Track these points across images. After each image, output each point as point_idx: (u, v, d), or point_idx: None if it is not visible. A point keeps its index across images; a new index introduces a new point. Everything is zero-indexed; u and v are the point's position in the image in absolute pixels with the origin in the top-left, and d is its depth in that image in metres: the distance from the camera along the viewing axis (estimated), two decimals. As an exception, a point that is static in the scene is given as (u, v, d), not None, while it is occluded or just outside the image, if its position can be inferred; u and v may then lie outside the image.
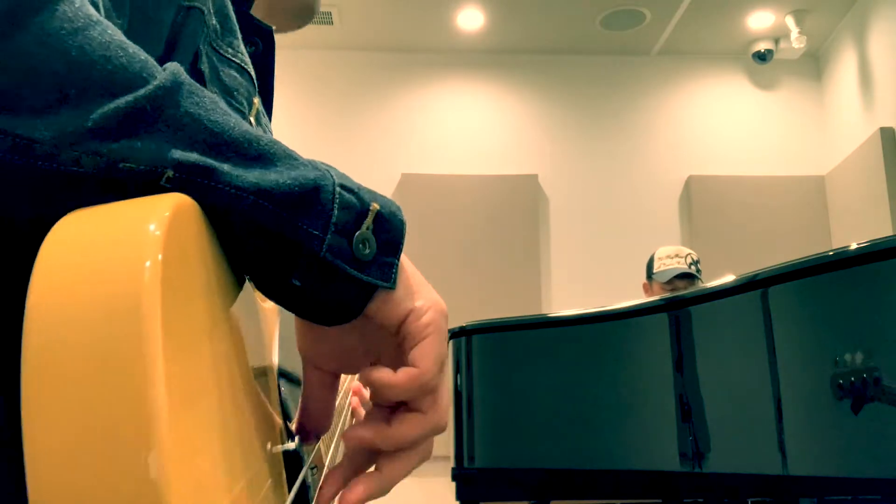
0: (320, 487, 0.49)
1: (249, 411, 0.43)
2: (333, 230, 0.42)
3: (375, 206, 0.44)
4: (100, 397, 0.29)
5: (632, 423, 1.85)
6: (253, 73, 0.64)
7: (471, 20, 4.51)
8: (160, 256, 0.32)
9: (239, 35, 0.63)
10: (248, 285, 0.45)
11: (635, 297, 2.93)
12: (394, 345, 0.47)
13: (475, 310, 2.70)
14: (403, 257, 0.46)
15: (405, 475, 0.49)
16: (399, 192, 4.43)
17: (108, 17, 0.46)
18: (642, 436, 1.82)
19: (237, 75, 0.61)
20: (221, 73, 0.59)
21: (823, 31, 4.62)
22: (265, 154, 0.41)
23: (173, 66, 0.41)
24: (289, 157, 0.42)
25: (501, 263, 4.42)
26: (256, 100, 0.66)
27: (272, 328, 0.54)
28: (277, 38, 0.74)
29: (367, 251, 0.43)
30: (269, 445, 0.44)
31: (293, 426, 0.53)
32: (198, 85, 0.42)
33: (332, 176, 0.43)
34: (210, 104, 0.41)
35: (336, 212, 0.42)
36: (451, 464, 2.09)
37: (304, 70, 4.59)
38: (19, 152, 0.37)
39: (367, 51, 4.74)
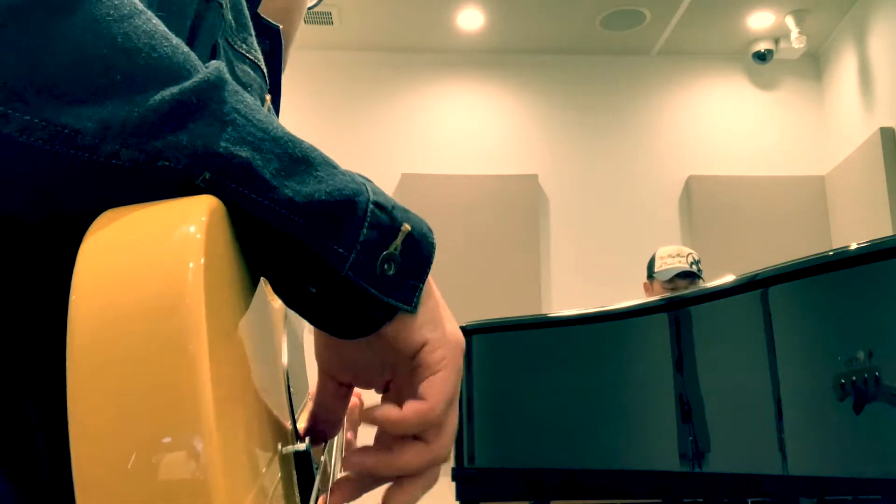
0: (331, 492, 0.49)
1: (269, 410, 0.43)
2: (359, 249, 0.41)
3: (406, 227, 0.43)
4: (148, 394, 0.30)
5: (632, 423, 1.86)
6: (265, 70, 0.64)
7: (471, 20, 4.51)
8: (202, 258, 0.32)
9: (252, 31, 0.62)
10: (261, 284, 0.45)
11: (635, 296, 2.93)
12: (409, 367, 0.47)
13: (475, 310, 2.70)
14: (433, 286, 0.45)
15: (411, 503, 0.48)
16: (399, 192, 4.43)
17: None
18: (642, 436, 1.83)
19: (250, 71, 0.60)
20: (236, 69, 0.59)
21: (823, 31, 4.62)
22: (308, 157, 0.41)
23: (217, 63, 0.40)
24: (328, 165, 0.41)
25: (501, 264, 4.42)
26: (268, 97, 0.66)
27: (281, 328, 0.54)
28: None
29: (392, 272, 0.42)
30: (280, 444, 0.44)
31: (300, 427, 0.53)
32: (237, 85, 0.41)
33: (367, 192, 0.42)
34: (253, 104, 0.40)
35: (365, 230, 0.41)
36: (451, 464, 2.09)
37: (304, 70, 4.59)
38: (60, 142, 0.35)
39: (367, 51, 4.74)
